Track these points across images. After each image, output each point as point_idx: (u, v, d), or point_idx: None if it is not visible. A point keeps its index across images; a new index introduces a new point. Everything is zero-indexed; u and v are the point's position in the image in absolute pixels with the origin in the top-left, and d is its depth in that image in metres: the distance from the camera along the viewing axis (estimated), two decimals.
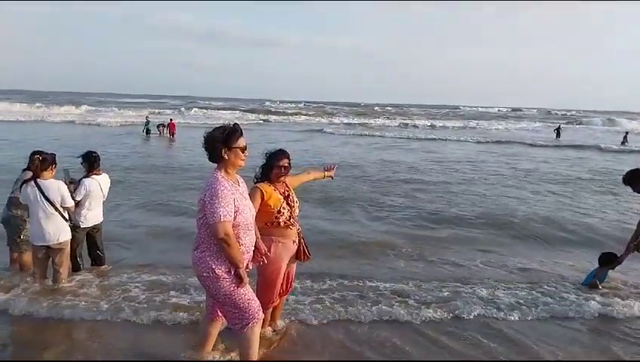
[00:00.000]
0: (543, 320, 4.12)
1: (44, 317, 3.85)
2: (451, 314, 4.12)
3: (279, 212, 3.24)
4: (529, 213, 8.09)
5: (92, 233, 4.81)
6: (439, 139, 26.56)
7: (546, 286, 4.81)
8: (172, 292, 4.34)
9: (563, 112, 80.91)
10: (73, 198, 4.41)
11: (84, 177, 4.67)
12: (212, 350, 3.16)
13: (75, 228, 4.52)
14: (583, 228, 7.31)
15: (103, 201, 4.88)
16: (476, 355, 3.50)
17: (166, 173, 11.60)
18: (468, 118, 54.17)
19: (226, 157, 2.69)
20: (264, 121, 40.59)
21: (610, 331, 3.98)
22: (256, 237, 2.96)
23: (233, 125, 2.77)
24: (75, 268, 4.68)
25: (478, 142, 24.90)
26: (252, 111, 50.57)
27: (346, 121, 42.91)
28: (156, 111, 37.87)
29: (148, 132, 22.61)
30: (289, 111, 52.85)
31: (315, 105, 74.78)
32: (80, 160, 4.75)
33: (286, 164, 3.33)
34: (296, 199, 3.42)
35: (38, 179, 4.22)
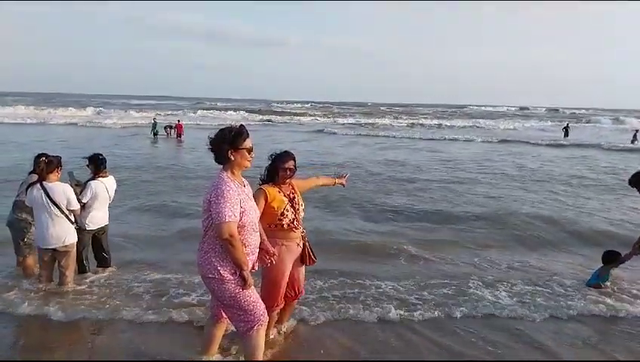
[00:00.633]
0: (546, 320, 4.12)
1: (48, 319, 3.90)
2: (456, 314, 4.13)
3: (282, 214, 3.24)
4: (533, 213, 8.05)
5: (98, 235, 4.85)
6: (445, 138, 26.42)
7: (549, 286, 4.80)
8: (177, 292, 4.39)
9: (572, 111, 79.99)
10: (79, 201, 4.44)
11: (91, 179, 4.70)
12: (217, 352, 3.17)
13: (81, 230, 4.54)
14: (587, 228, 7.26)
15: (109, 203, 4.91)
16: (478, 355, 3.51)
17: (172, 175, 11.64)
18: (475, 117, 53.80)
19: (232, 158, 2.70)
20: (269, 121, 40.56)
21: (614, 330, 3.98)
22: (264, 239, 2.97)
23: (239, 126, 2.78)
24: (81, 270, 4.72)
25: (484, 142, 24.71)
26: (257, 111, 50.61)
27: (352, 121, 42.81)
28: (160, 113, 37.99)
29: (156, 133, 22.71)
30: (295, 112, 52.88)
31: (321, 106, 74.75)
32: (86, 162, 4.77)
33: (291, 166, 3.32)
34: (301, 202, 3.41)
35: (44, 182, 4.24)
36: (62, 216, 4.25)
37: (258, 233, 2.86)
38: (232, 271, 2.70)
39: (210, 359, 3.12)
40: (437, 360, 3.46)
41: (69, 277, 4.39)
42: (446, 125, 39.80)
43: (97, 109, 45.44)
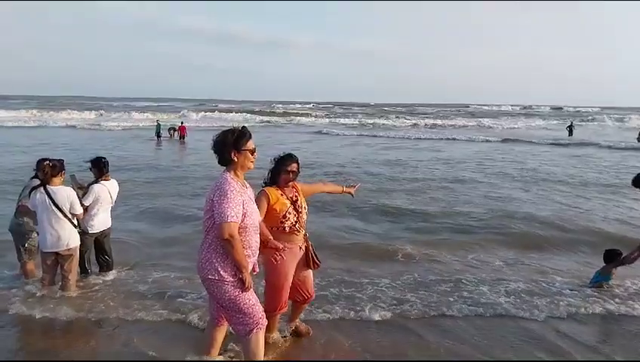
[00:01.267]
0: (546, 319, 4.09)
1: (49, 321, 3.93)
2: (454, 313, 4.13)
3: (284, 217, 3.23)
4: (533, 213, 8.00)
5: (100, 238, 4.86)
6: (447, 138, 26.32)
7: (548, 286, 4.79)
8: (179, 295, 4.41)
9: (577, 109, 79.54)
10: (82, 204, 4.46)
11: (94, 183, 4.71)
12: (218, 354, 3.17)
13: (83, 233, 4.55)
14: (588, 228, 7.18)
15: (111, 207, 4.93)
16: (477, 355, 3.49)
17: (175, 177, 11.64)
18: (478, 116, 53.65)
19: (235, 159, 2.72)
20: (272, 122, 40.65)
21: (615, 330, 3.97)
22: (270, 237, 2.99)
23: (242, 128, 2.81)
24: (84, 273, 4.74)
25: (487, 141, 24.62)
26: (260, 113, 50.72)
27: (354, 121, 42.81)
28: (163, 115, 38.14)
29: (159, 135, 22.76)
30: (298, 113, 52.93)
31: (324, 106, 74.84)
32: (89, 165, 4.80)
33: (294, 169, 3.32)
34: (304, 205, 3.40)
35: (48, 186, 4.25)
36: (65, 219, 4.26)
37: (259, 235, 2.86)
38: (232, 272, 2.70)
39: (212, 360, 3.11)
40: (437, 360, 3.45)
41: (71, 281, 4.40)
42: (448, 125, 39.74)
43: (99, 112, 45.70)
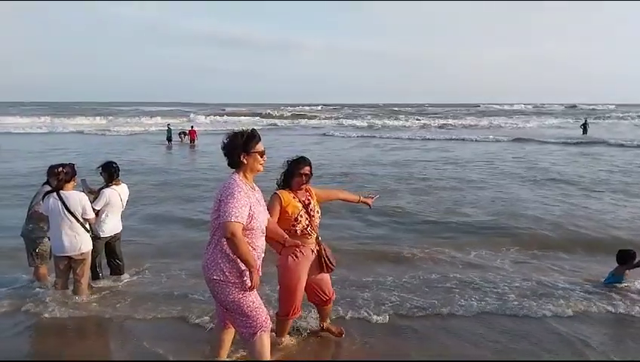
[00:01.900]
0: (555, 319, 4.05)
1: (62, 323, 4.02)
2: (459, 312, 4.14)
3: (296, 220, 3.25)
4: (541, 214, 7.91)
5: (111, 242, 4.91)
6: (457, 138, 26.11)
7: (558, 287, 4.73)
8: (189, 296, 4.47)
9: (591, 107, 78.13)
10: (92, 208, 4.50)
11: (104, 187, 4.77)
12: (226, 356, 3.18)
13: (95, 238, 4.60)
14: (597, 228, 7.05)
15: (122, 211, 4.96)
16: (482, 354, 3.49)
17: (184, 182, 11.70)
18: (489, 115, 53.10)
19: (244, 161, 2.73)
20: (280, 125, 40.66)
21: (624, 331, 3.92)
22: (285, 237, 2.99)
23: (251, 130, 2.81)
24: (95, 277, 4.80)
25: (497, 141, 24.38)
26: (269, 115, 50.94)
27: (363, 122, 42.71)
28: (172, 119, 38.52)
29: (170, 139, 22.95)
30: (307, 114, 53.05)
31: (332, 108, 74.82)
32: (99, 170, 4.84)
33: (307, 172, 3.33)
34: (317, 209, 3.40)
35: (61, 191, 4.30)
36: (78, 224, 4.31)
37: (264, 237, 2.86)
38: (237, 274, 2.69)
39: (219, 360, 3.12)
40: (437, 360, 3.44)
41: (83, 285, 4.45)
42: (459, 124, 39.41)
43: (109, 117, 46.31)
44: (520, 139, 24.90)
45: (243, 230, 2.62)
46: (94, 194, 4.71)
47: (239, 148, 2.72)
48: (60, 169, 4.34)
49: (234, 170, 2.77)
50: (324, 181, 10.84)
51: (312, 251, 3.36)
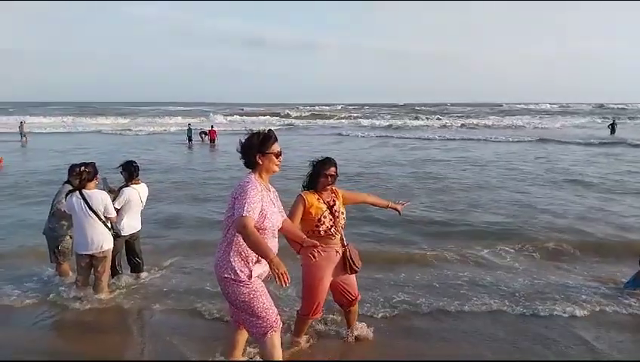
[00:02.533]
0: (570, 320, 4.01)
1: (81, 317, 4.17)
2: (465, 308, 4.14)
3: (320, 221, 3.28)
4: (560, 215, 7.78)
5: (131, 241, 5.00)
6: (478, 138, 25.63)
7: (574, 289, 4.67)
8: (208, 294, 4.54)
9: (620, 106, 75.29)
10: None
11: (124, 186, 4.86)
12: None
13: (116, 236, 4.69)
14: (616, 232, 6.80)
15: (141, 209, 5.05)
16: (495, 354, 3.46)
17: (205, 181, 11.79)
18: (512, 114, 51.93)
19: (260, 162, 2.74)
20: (300, 125, 40.73)
21: None
22: (303, 237, 2.95)
23: (268, 131, 2.82)
24: (114, 274, 4.89)
25: (520, 141, 23.81)
26: (287, 115, 51.17)
27: (383, 122, 42.46)
28: (192, 119, 39.16)
29: (190, 139, 23.28)
30: (326, 114, 53.06)
31: (353, 107, 74.58)
32: (120, 169, 4.93)
33: (332, 173, 3.35)
34: (342, 210, 3.41)
35: (83, 190, 4.39)
36: (100, 222, 4.39)
37: (277, 239, 2.87)
38: (249, 274, 2.69)
39: (232, 360, 3.14)
40: (437, 360, 3.44)
41: (103, 283, 4.54)
42: (481, 124, 38.76)
43: (130, 117, 47.40)
44: (543, 139, 24.30)
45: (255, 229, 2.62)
46: (114, 194, 4.81)
47: (255, 148, 2.73)
48: (83, 168, 4.42)
49: (250, 170, 2.79)
50: (339, 180, 10.79)
51: (337, 252, 3.36)
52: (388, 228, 7.10)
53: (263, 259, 2.71)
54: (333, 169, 3.35)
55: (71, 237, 4.67)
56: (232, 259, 2.70)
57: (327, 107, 74.65)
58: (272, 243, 2.81)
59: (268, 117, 48.94)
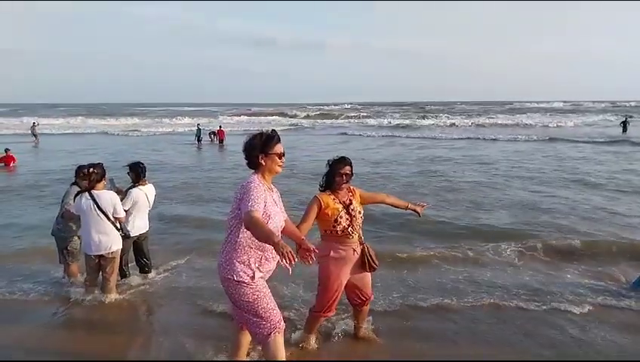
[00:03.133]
0: (572, 318, 4.01)
1: (89, 317, 4.22)
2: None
3: (336, 221, 3.30)
4: (564, 215, 7.69)
5: (138, 241, 5.03)
6: (486, 137, 25.37)
7: (579, 288, 4.67)
8: (215, 294, 4.50)
9: (634, 103, 73.95)
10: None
11: (132, 187, 4.89)
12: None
13: (125, 236, 4.71)
14: (621, 233, 6.68)
15: (149, 210, 5.09)
16: (499, 353, 3.46)
17: (214, 181, 11.76)
18: (523, 113, 51.33)
19: (263, 163, 2.74)
20: (307, 124, 40.66)
21: None
22: (302, 238, 2.89)
23: (271, 131, 2.81)
24: (123, 275, 4.93)
25: (530, 140, 23.53)
26: (295, 115, 51.18)
27: (391, 120, 42.30)
28: (201, 119, 39.43)
29: (200, 139, 23.40)
30: (334, 114, 52.96)
31: (361, 107, 74.44)
32: (127, 170, 4.97)
33: (348, 172, 3.38)
34: (359, 209, 3.42)
35: (92, 191, 4.41)
36: (109, 223, 4.41)
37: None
38: (252, 275, 2.69)
39: (236, 360, 3.15)
40: (437, 359, 3.45)
41: (111, 283, 4.57)
42: (490, 123, 38.41)
43: (139, 117, 47.92)
44: (553, 138, 24.00)
45: None
46: (122, 195, 4.83)
47: (257, 149, 2.73)
48: (91, 169, 4.44)
49: (253, 170, 2.79)
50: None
51: (354, 251, 3.38)
52: (391, 227, 7.10)
53: (265, 261, 2.73)
54: (348, 168, 3.37)
55: (79, 238, 4.72)
56: (235, 261, 2.70)
57: (336, 106, 74.62)
58: None
59: (275, 117, 49.02)
